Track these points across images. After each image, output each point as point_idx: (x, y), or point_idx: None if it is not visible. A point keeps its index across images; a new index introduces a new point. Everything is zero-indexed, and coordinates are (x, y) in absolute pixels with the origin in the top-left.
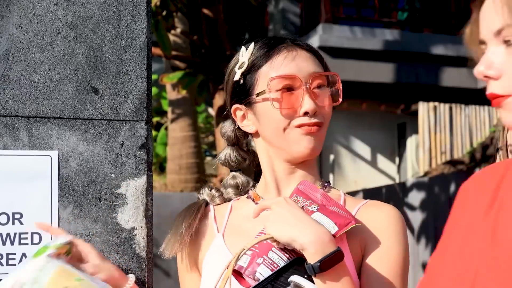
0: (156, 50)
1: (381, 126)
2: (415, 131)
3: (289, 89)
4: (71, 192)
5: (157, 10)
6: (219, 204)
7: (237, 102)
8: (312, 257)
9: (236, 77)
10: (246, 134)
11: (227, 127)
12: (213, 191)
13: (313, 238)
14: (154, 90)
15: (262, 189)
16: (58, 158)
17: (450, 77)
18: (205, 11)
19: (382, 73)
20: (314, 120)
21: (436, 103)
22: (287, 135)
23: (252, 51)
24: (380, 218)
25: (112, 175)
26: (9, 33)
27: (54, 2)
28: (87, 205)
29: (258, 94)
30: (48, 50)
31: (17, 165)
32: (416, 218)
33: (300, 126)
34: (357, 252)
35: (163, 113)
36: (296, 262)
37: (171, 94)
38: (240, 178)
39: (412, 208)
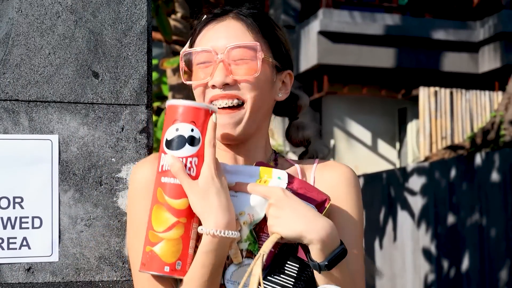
0: (156, 35)
1: (381, 111)
2: (416, 116)
3: (205, 62)
4: (72, 176)
5: None
6: None
7: None
8: (318, 254)
9: (185, 46)
10: None
11: None
12: None
13: (321, 234)
14: (155, 75)
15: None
16: (59, 142)
17: (451, 62)
18: None
19: (383, 58)
20: (225, 92)
21: (437, 88)
22: None
23: (200, 21)
24: (336, 180)
25: (113, 159)
26: (9, 17)
27: None
28: (87, 189)
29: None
30: (48, 34)
31: (18, 149)
32: (417, 203)
33: (211, 100)
34: None
35: (163, 98)
36: (288, 251)
37: (172, 79)
38: None
39: (412, 193)
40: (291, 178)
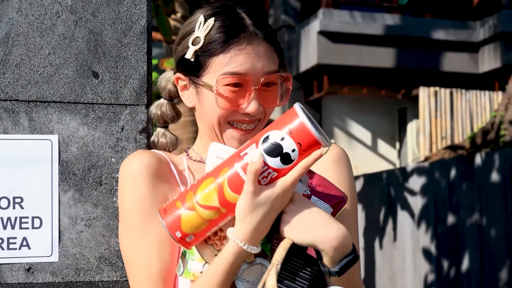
0: (156, 35)
1: (381, 111)
2: (416, 116)
3: (237, 84)
4: (72, 176)
5: None
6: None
7: (182, 72)
8: (330, 262)
9: (188, 55)
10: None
11: (168, 79)
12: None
13: (332, 244)
14: (155, 75)
15: (199, 149)
16: (59, 142)
17: (451, 62)
18: None
19: (383, 58)
20: (251, 118)
21: (437, 88)
22: (221, 128)
23: (210, 29)
24: (324, 161)
25: (113, 159)
26: (9, 17)
27: None
28: (87, 189)
29: (205, 84)
30: (48, 34)
31: (18, 149)
32: (417, 203)
33: (237, 121)
34: None
35: None
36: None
37: None
38: (169, 136)
39: (412, 193)
40: (311, 174)
